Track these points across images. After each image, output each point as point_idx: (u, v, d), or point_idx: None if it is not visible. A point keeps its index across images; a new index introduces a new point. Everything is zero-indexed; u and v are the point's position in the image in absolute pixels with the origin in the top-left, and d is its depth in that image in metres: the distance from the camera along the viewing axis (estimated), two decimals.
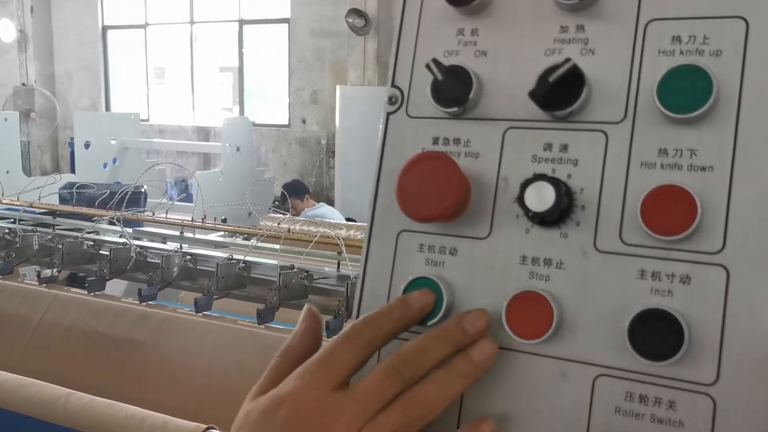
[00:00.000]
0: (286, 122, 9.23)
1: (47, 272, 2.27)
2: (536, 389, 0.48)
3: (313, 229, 2.56)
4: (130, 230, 2.37)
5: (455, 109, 0.54)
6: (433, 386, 0.47)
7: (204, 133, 9.80)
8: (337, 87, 7.36)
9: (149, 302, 2.04)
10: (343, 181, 7.07)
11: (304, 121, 9.04)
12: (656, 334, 0.45)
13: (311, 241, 2.08)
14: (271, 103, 9.56)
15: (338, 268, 1.98)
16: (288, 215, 2.77)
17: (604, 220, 0.49)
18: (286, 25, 9.04)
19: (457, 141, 0.55)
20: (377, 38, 7.79)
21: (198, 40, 10.03)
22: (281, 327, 1.87)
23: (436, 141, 0.56)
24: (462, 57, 0.55)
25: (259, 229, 2.35)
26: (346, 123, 7.04)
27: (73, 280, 2.50)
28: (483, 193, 0.53)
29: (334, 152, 7.83)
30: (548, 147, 0.52)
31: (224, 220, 2.75)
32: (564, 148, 0.51)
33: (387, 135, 0.58)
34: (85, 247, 2.27)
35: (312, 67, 8.82)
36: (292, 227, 2.43)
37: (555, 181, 0.49)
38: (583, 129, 0.51)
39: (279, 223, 2.52)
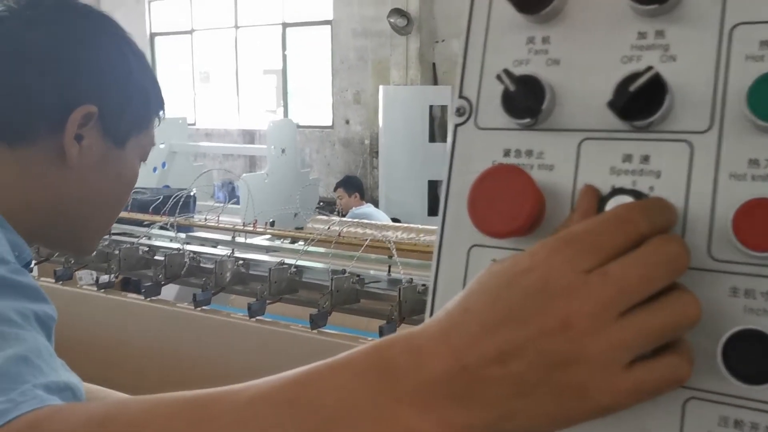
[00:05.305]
0: (330, 123, 9.28)
1: (105, 278, 2.32)
2: (625, 412, 0.46)
3: (360, 230, 2.56)
4: (183, 236, 2.41)
5: (527, 120, 0.53)
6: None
7: (249, 136, 9.92)
8: (380, 87, 7.35)
9: (203, 307, 2.07)
10: (387, 181, 7.06)
11: (347, 122, 9.07)
12: (752, 355, 0.43)
13: (360, 245, 2.08)
14: (314, 105, 9.62)
15: (389, 271, 1.97)
16: (334, 217, 2.78)
17: (691, 235, 0.47)
18: (329, 26, 9.08)
19: (529, 153, 0.53)
20: (419, 37, 7.76)
21: (242, 43, 10.16)
22: (334, 332, 1.87)
23: (507, 153, 0.54)
24: (533, 66, 0.54)
25: (310, 234, 2.36)
26: (389, 123, 7.03)
27: (126, 284, 2.55)
28: (558, 206, 0.51)
29: (377, 152, 7.83)
30: (628, 158, 0.50)
31: (272, 223, 2.77)
32: (645, 159, 0.49)
33: (455, 147, 0.57)
34: (140, 252, 2.31)
35: (355, 67, 8.84)
36: (340, 229, 2.44)
37: (636, 194, 0.47)
38: (665, 139, 0.49)
39: (329, 227, 2.53)
